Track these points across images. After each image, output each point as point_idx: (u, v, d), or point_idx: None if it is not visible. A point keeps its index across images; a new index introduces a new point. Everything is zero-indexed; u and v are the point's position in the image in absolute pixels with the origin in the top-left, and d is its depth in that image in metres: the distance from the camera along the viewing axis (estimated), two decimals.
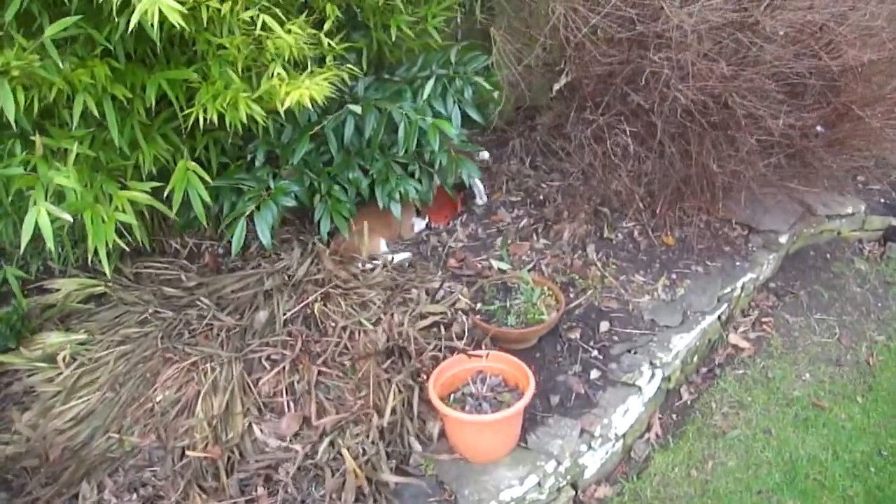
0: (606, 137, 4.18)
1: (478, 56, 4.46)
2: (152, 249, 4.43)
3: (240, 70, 3.50)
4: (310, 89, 3.35)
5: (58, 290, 4.21)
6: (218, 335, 3.95)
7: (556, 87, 4.42)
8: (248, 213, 3.96)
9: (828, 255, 5.05)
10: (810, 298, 4.73)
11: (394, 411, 3.63)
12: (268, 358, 3.85)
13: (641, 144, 4.27)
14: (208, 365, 3.82)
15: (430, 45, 4.51)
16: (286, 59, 3.53)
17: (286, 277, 4.17)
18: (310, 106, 3.41)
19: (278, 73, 3.40)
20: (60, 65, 3.18)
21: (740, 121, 3.82)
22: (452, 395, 3.60)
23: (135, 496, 3.40)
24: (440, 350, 3.80)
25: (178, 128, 3.79)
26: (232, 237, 3.98)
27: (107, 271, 3.46)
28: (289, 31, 3.38)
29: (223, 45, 3.43)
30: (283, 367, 3.80)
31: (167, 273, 4.33)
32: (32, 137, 3.34)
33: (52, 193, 3.35)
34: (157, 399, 3.76)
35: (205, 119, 3.51)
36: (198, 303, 4.08)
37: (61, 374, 3.86)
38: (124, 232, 3.73)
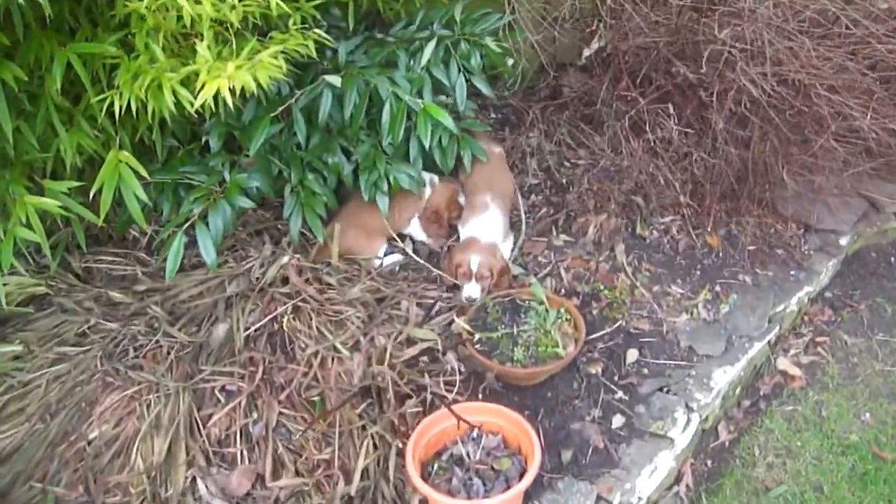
0: (646, 120, 2.98)
1: (488, 14, 3.19)
2: (109, 237, 3.34)
3: (161, 42, 2.34)
4: (236, 77, 2.15)
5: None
6: (167, 355, 2.89)
7: (587, 52, 3.20)
8: (191, 220, 2.81)
9: (892, 259, 3.75)
10: (872, 314, 3.49)
11: (366, 473, 2.60)
12: (222, 389, 2.80)
13: (687, 128, 3.07)
14: (152, 396, 2.79)
15: None
16: (236, 26, 2.38)
17: (252, 281, 3.09)
18: (229, 101, 2.21)
19: (202, 55, 2.24)
20: None
21: (824, 119, 2.59)
22: (437, 461, 2.55)
23: None
24: (427, 395, 2.72)
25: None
26: (167, 257, 2.86)
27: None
28: None
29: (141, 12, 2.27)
30: (239, 403, 2.77)
31: (121, 269, 3.25)
32: None
33: None
34: (91, 436, 2.75)
35: (121, 107, 2.39)
36: (148, 311, 3.01)
37: None
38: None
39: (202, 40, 2.30)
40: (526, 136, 3.73)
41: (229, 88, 2.12)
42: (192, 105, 2.27)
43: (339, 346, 2.84)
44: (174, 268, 2.80)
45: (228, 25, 2.34)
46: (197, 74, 2.29)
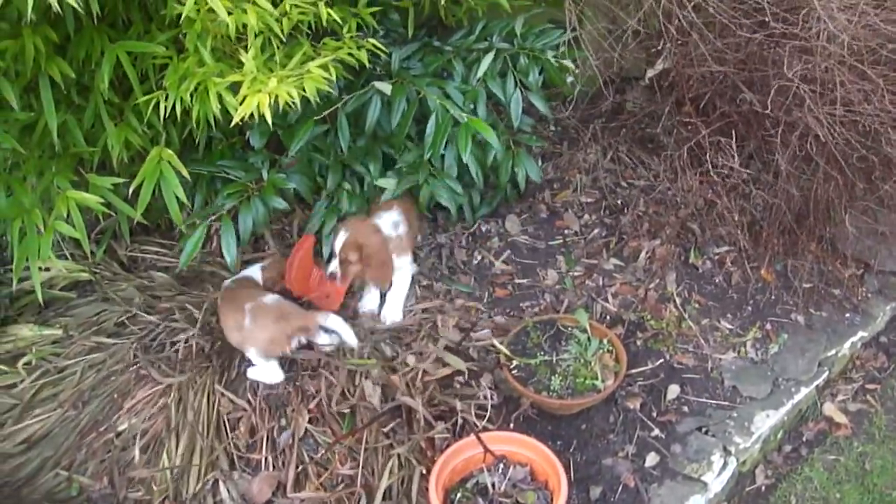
0: (706, 149, 2.79)
1: (550, 30, 3.02)
2: (157, 226, 3.25)
3: (209, 44, 2.21)
4: (278, 92, 2.04)
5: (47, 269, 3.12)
6: (202, 352, 2.83)
7: (650, 73, 3.00)
8: (217, 215, 2.72)
9: None
10: None
11: (388, 493, 2.49)
12: (253, 392, 2.73)
13: (749, 159, 2.88)
14: (183, 393, 2.73)
15: (501, 4, 3.08)
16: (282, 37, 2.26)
17: None
18: (268, 117, 2.08)
19: (247, 66, 2.11)
20: None
21: (893, 163, 2.39)
22: (462, 488, 2.42)
23: None
24: (458, 419, 2.60)
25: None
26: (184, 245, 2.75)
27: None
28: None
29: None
30: (269, 408, 2.68)
31: (165, 260, 3.17)
32: None
33: None
34: (121, 428, 2.70)
35: (167, 109, 2.29)
36: (187, 306, 2.95)
37: (23, 380, 2.84)
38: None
39: (249, 48, 2.20)
40: (584, 152, 3.55)
41: (269, 105, 2.01)
42: (236, 111, 2.17)
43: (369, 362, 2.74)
44: (189, 256, 2.71)
45: (280, 31, 2.23)
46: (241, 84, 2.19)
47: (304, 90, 2.17)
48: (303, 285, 2.87)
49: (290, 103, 2.09)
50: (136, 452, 2.63)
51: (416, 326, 2.89)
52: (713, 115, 2.87)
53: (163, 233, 3.25)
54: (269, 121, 2.07)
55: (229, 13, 2.03)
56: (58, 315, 3.02)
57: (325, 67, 2.27)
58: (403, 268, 2.97)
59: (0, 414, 2.77)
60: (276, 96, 2.04)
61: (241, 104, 2.06)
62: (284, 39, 2.21)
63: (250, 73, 2.09)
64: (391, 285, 2.95)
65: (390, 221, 2.93)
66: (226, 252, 2.73)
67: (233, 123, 2.11)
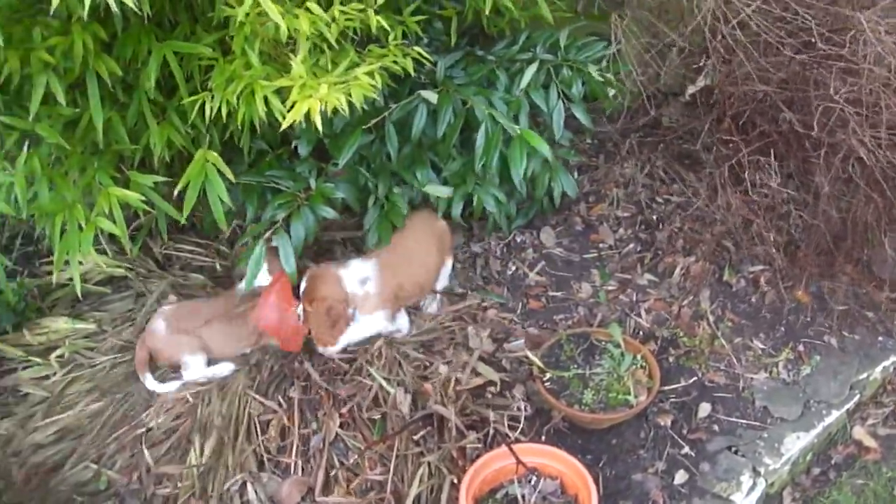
0: (745, 167, 2.77)
1: (594, 42, 3.02)
2: (192, 225, 3.24)
3: (257, 47, 2.22)
4: (328, 98, 2.04)
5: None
6: None
7: (691, 90, 2.99)
8: (273, 227, 2.68)
9: None
10: None
11: (418, 501, 2.47)
12: (285, 395, 2.73)
13: (788, 179, 2.86)
14: (214, 393, 2.73)
15: (544, 16, 3.06)
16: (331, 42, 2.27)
17: None
18: (318, 124, 2.08)
19: (295, 70, 2.12)
20: None
21: None
22: (492, 498, 2.42)
23: None
24: (489, 429, 2.59)
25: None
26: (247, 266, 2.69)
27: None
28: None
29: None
30: (300, 411, 2.68)
31: (200, 260, 3.19)
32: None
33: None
34: (150, 425, 2.71)
35: (212, 110, 2.30)
36: None
37: (55, 372, 2.85)
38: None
39: (298, 52, 2.20)
40: (621, 165, 3.53)
41: (319, 111, 2.01)
42: (283, 117, 2.17)
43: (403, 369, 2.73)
44: (252, 278, 2.67)
45: (330, 37, 2.23)
46: (290, 88, 2.20)
47: (350, 96, 2.18)
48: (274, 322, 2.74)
49: (341, 109, 2.09)
50: (165, 449, 2.66)
51: (449, 335, 2.88)
52: (752, 134, 2.86)
53: (199, 232, 3.26)
54: (319, 127, 2.07)
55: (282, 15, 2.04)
56: (91, 309, 3.05)
57: (370, 74, 2.27)
58: (371, 322, 2.83)
59: (32, 405, 2.81)
60: (326, 102, 2.05)
61: (289, 110, 2.06)
62: (334, 45, 2.21)
63: (299, 78, 2.08)
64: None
65: (358, 276, 2.78)
66: (285, 264, 2.67)
67: (282, 128, 2.11)
